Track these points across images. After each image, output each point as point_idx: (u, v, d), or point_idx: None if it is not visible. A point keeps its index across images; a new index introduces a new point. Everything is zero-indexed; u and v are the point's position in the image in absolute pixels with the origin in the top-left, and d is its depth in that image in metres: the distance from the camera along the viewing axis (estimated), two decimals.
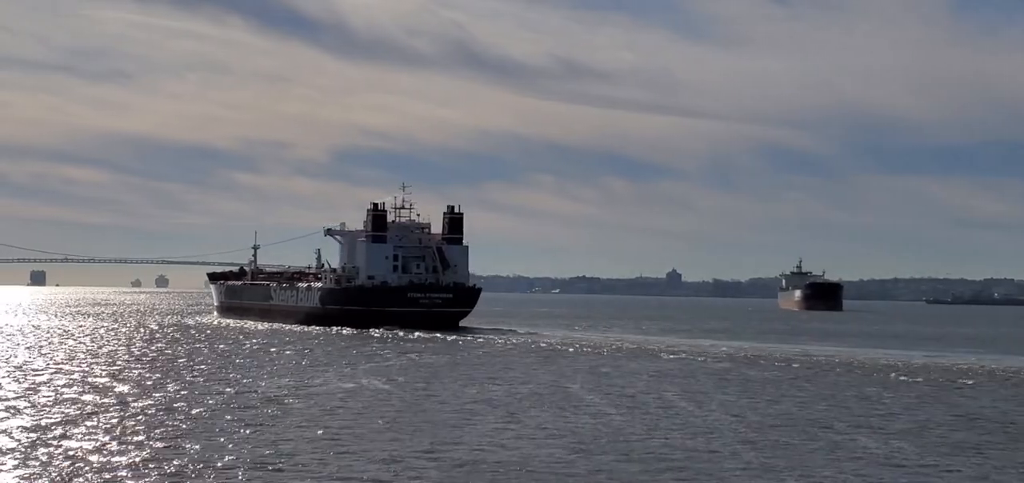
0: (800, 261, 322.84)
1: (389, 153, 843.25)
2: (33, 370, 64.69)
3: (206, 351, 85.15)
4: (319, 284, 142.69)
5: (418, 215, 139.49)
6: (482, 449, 37.53)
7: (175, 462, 33.64)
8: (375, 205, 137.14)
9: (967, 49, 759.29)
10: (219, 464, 33.54)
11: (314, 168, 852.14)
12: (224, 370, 66.99)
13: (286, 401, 50.72)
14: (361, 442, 38.48)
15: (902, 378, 68.14)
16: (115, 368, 67.07)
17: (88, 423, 41.49)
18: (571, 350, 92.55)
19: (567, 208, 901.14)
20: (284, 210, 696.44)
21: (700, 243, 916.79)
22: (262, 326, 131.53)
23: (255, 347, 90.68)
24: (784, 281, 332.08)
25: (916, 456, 37.51)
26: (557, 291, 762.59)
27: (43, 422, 41.61)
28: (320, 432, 40.63)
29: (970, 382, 66.78)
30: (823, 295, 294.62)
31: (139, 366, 69.10)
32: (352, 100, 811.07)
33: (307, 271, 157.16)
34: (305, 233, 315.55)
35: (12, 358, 75.08)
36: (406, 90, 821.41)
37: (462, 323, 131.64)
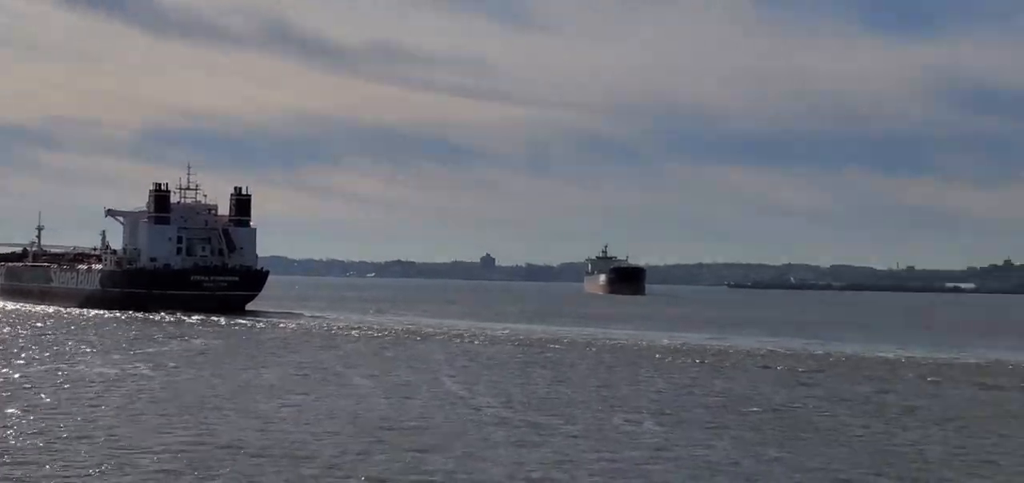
0: (606, 246, 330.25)
1: (202, 133, 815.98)
2: None
3: None
4: (100, 266, 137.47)
5: (205, 196, 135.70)
6: (244, 432, 36.53)
7: None
8: (158, 186, 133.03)
9: (771, 42, 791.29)
10: None
11: (122, 148, 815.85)
12: None
13: (32, 389, 47.58)
14: (113, 432, 36.39)
15: (680, 361, 69.63)
16: None
17: None
18: (355, 334, 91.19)
19: (384, 192, 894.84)
20: (87, 190, 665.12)
21: (514, 228, 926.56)
22: (39, 309, 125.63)
23: (24, 332, 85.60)
24: (590, 266, 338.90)
25: (662, 435, 37.99)
26: (372, 275, 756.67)
27: None
28: (66, 422, 38.07)
29: (727, 364, 68.73)
30: (626, 279, 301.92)
31: None
32: (164, 78, 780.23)
33: (91, 253, 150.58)
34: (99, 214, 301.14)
35: None
36: (220, 69, 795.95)
37: (249, 307, 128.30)
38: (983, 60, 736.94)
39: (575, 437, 37.10)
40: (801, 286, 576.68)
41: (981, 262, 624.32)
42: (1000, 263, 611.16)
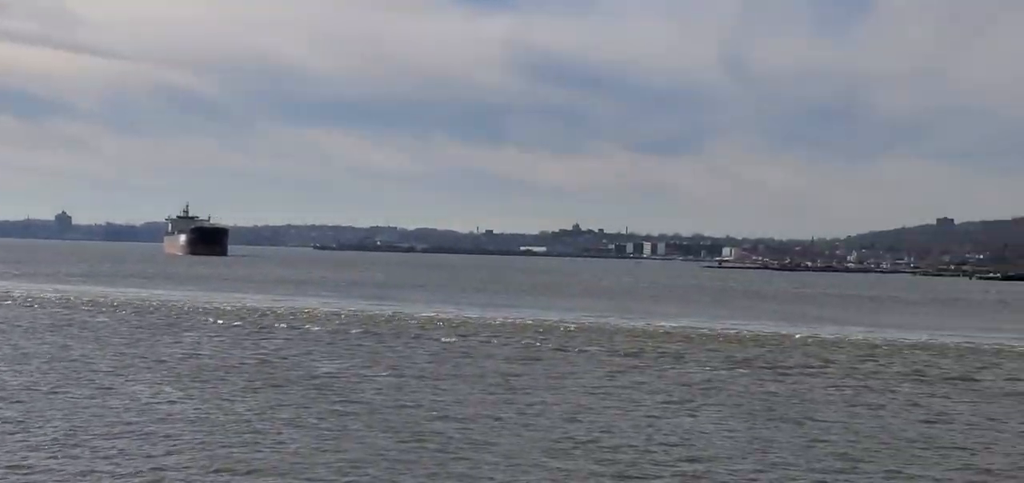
0: (187, 205, 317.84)
1: None
2: None
3: None
4: None
5: None
6: None
7: None
8: None
9: (361, 7, 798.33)
10: None
11: None
12: None
13: None
14: None
15: (218, 322, 67.04)
16: None
17: None
18: None
19: None
20: None
21: (94, 185, 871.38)
22: None
23: None
24: (170, 225, 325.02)
25: (166, 399, 35.59)
26: None
27: None
28: None
29: (283, 325, 67.41)
30: (207, 240, 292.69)
31: None
32: None
33: None
34: None
35: None
36: None
37: None
38: (556, 34, 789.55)
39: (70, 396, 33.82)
40: (387, 248, 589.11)
41: (553, 227, 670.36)
42: (569, 227, 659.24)
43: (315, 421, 31.87)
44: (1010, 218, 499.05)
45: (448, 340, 57.67)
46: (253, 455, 26.89)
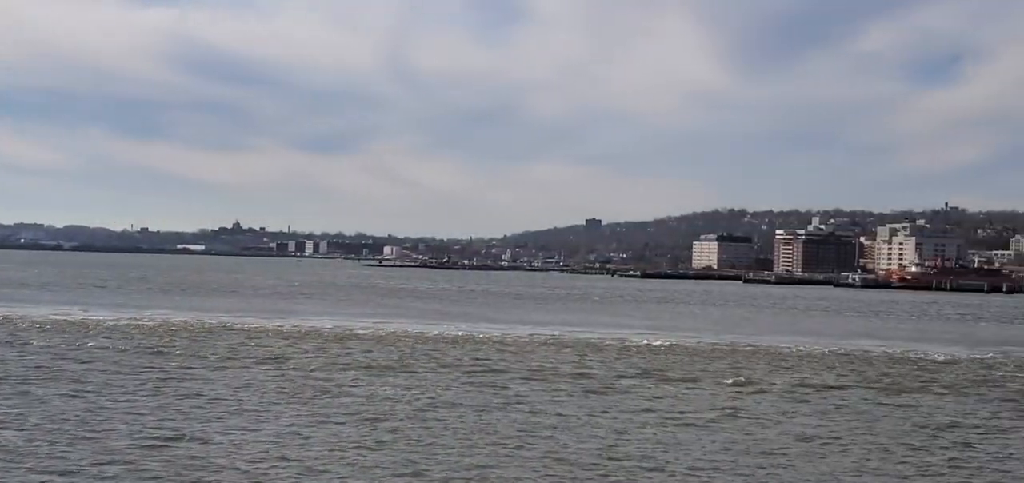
0: None
1: None
2: None
3: None
4: None
5: None
6: None
7: None
8: None
9: None
10: None
11: None
12: None
13: None
14: None
15: None
16: None
17: None
18: None
19: None
20: None
21: None
22: None
23: None
24: None
25: None
26: None
27: None
28: None
29: None
30: None
31: None
32: None
33: None
34: None
35: None
36: None
37: None
38: (218, 29, 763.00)
39: None
40: (31, 246, 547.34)
41: (213, 224, 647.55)
42: (230, 226, 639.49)
43: None
44: (652, 219, 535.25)
45: None
46: None
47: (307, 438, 29.10)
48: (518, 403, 36.39)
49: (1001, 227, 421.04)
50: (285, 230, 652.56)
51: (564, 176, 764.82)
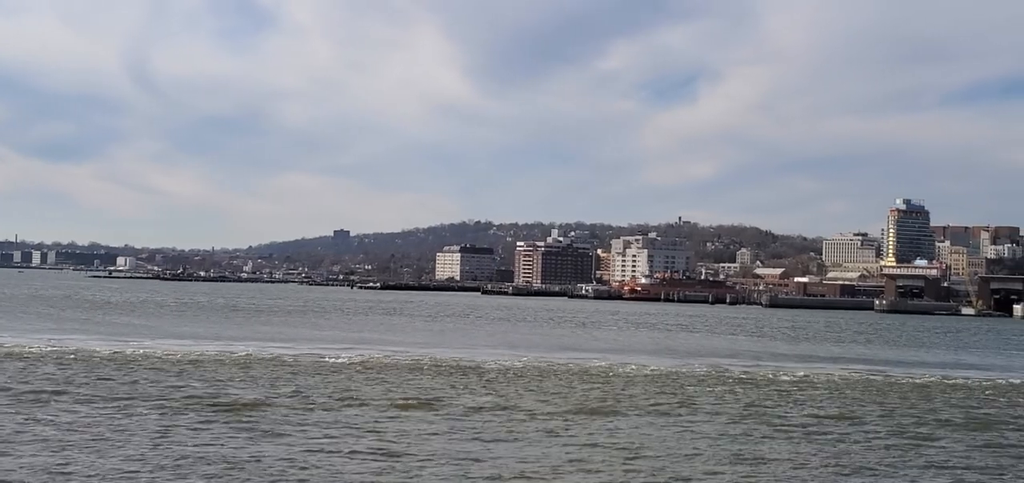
0: None
1: None
2: None
3: None
4: None
5: None
6: None
7: None
8: None
9: None
10: None
11: None
12: None
13: None
14: None
15: None
16: None
17: None
18: None
19: None
20: None
21: None
22: None
23: None
24: None
25: None
26: None
27: None
28: None
29: None
30: None
31: None
32: None
33: None
34: None
35: None
36: None
37: None
38: None
39: None
40: None
41: None
42: None
43: None
44: (400, 231, 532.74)
45: None
46: None
47: None
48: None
49: (728, 240, 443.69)
50: (12, 240, 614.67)
51: (314, 186, 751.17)
